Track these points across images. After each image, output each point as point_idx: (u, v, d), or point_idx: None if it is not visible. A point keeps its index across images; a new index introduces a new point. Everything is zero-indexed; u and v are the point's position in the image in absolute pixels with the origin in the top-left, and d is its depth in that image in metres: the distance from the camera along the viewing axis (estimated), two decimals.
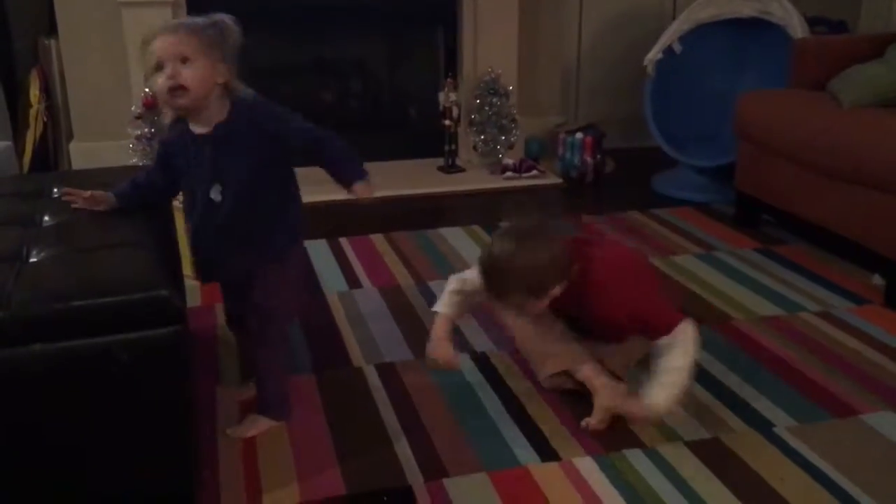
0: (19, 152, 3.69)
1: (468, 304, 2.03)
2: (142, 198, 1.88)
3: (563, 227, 1.93)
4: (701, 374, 2.16)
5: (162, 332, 1.48)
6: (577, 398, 1.99)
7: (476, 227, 3.22)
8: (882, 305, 2.54)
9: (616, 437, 1.91)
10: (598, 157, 3.79)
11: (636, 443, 1.89)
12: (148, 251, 1.67)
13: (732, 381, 2.14)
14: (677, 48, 3.64)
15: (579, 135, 3.77)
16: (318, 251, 2.98)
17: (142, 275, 1.54)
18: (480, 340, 2.32)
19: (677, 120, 3.70)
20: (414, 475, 1.79)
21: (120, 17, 3.39)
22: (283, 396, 1.96)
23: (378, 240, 3.10)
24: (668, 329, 1.86)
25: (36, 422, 1.47)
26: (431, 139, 3.91)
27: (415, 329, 2.41)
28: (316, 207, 3.36)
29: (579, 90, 4.31)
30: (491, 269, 1.84)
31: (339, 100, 4.17)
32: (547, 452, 1.86)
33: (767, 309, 2.53)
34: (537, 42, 4.10)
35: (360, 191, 1.92)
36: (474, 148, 3.90)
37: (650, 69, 3.68)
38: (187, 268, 2.62)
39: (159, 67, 1.68)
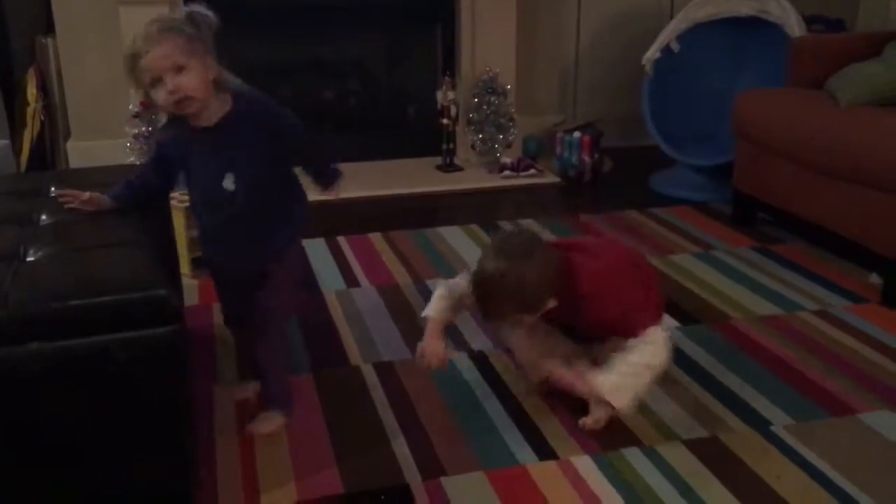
0: (16, 151, 3.69)
1: (457, 307, 2.00)
2: (136, 198, 1.87)
3: (554, 233, 1.88)
4: (699, 373, 2.17)
5: (159, 331, 1.48)
6: (574, 398, 1.98)
7: (474, 226, 3.22)
8: (879, 304, 2.55)
9: (614, 436, 1.91)
10: (596, 156, 3.79)
11: (634, 442, 1.89)
12: (145, 250, 1.67)
13: (730, 380, 2.14)
14: (675, 47, 3.64)
15: (577, 134, 3.77)
16: (316, 250, 2.98)
17: (139, 274, 1.54)
18: (478, 340, 2.32)
19: (675, 119, 3.70)
20: (412, 474, 1.79)
21: (117, 15, 3.38)
22: (287, 391, 1.98)
23: (376, 239, 3.10)
24: (641, 330, 1.86)
25: (33, 421, 1.47)
26: (429, 138, 3.91)
27: (413, 328, 2.41)
28: (315, 206, 3.36)
29: (577, 89, 4.31)
30: (485, 291, 1.82)
31: (337, 99, 4.16)
32: (545, 451, 1.86)
33: (765, 308, 2.53)
34: (535, 41, 4.10)
35: (337, 191, 1.96)
36: (472, 147, 3.90)
37: (648, 68, 3.68)
38: (185, 266, 2.63)
39: (157, 81, 1.67)
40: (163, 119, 1.79)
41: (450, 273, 2.74)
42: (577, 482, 1.76)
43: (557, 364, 1.94)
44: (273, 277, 1.87)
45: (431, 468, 1.80)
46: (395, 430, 1.93)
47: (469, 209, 3.47)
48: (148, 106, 3.31)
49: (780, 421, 1.96)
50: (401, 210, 3.44)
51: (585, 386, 1.86)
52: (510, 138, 3.88)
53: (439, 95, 3.80)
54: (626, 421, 1.95)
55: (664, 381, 2.12)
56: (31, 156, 3.66)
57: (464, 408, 2.02)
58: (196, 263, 2.64)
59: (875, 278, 2.65)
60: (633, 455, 1.84)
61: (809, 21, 3.61)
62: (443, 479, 1.77)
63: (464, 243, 3.05)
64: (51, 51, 3.65)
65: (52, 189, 1.99)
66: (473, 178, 3.80)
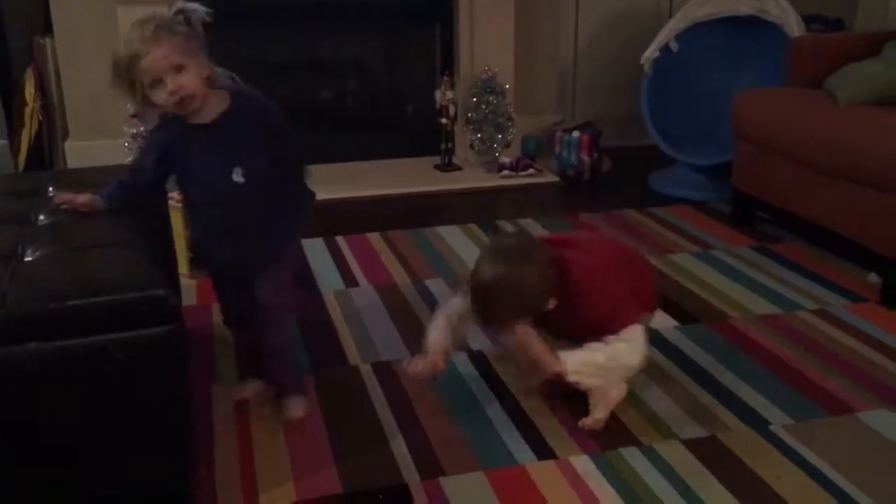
0: (14, 151, 3.69)
1: (457, 329, 2.00)
2: (129, 199, 1.87)
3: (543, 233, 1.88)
4: (697, 373, 2.17)
5: (157, 331, 1.48)
6: (573, 397, 1.98)
7: (473, 226, 3.22)
8: (878, 303, 2.55)
9: (613, 435, 1.91)
10: (595, 155, 3.79)
11: (633, 441, 1.89)
12: (143, 250, 1.67)
13: (729, 379, 2.14)
14: (674, 46, 3.64)
15: (576, 133, 3.77)
16: (314, 250, 2.97)
17: (137, 274, 1.54)
18: (478, 340, 2.32)
19: (674, 118, 3.70)
20: (410, 474, 1.78)
21: (115, 15, 3.38)
22: (299, 374, 2.04)
23: (375, 238, 3.10)
24: (619, 328, 1.86)
25: (32, 421, 1.47)
26: (428, 137, 3.91)
27: (411, 328, 2.41)
28: (313, 206, 3.36)
29: (576, 88, 4.30)
30: (485, 298, 1.81)
31: (335, 98, 4.16)
32: (544, 451, 1.86)
33: (764, 307, 2.53)
34: (534, 40, 4.10)
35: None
36: (471, 146, 3.90)
37: (647, 67, 3.68)
38: (183, 267, 2.63)
39: (157, 82, 1.68)
40: (148, 119, 1.77)
41: (449, 273, 2.75)
42: (576, 482, 1.76)
43: (535, 338, 1.90)
44: (273, 274, 1.88)
45: (430, 468, 1.80)
46: (394, 430, 1.93)
47: (468, 209, 3.47)
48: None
49: (778, 420, 1.96)
50: (399, 210, 3.44)
51: (551, 360, 1.84)
52: (509, 138, 3.88)
53: (438, 95, 3.80)
54: (624, 420, 1.95)
55: (662, 380, 2.13)
56: (29, 156, 3.66)
57: (462, 408, 2.01)
58: (194, 264, 2.64)
59: (874, 277, 2.65)
60: (631, 455, 1.84)
61: (808, 20, 3.61)
62: (441, 479, 1.77)
63: (462, 243, 3.05)
64: (49, 51, 3.64)
65: (50, 189, 1.99)
66: (472, 178, 3.80)
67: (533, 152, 4.02)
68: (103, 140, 3.53)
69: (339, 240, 3.08)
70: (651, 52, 3.65)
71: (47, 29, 3.63)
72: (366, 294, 2.64)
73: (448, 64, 3.96)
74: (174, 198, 2.54)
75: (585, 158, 3.76)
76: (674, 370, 2.18)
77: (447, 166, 3.89)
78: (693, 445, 1.87)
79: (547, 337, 1.98)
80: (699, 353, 2.26)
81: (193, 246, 2.06)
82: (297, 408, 1.99)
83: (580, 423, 1.93)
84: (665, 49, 3.64)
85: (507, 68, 3.89)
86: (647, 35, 3.74)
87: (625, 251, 2.08)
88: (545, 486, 1.74)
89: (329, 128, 4.14)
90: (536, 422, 1.96)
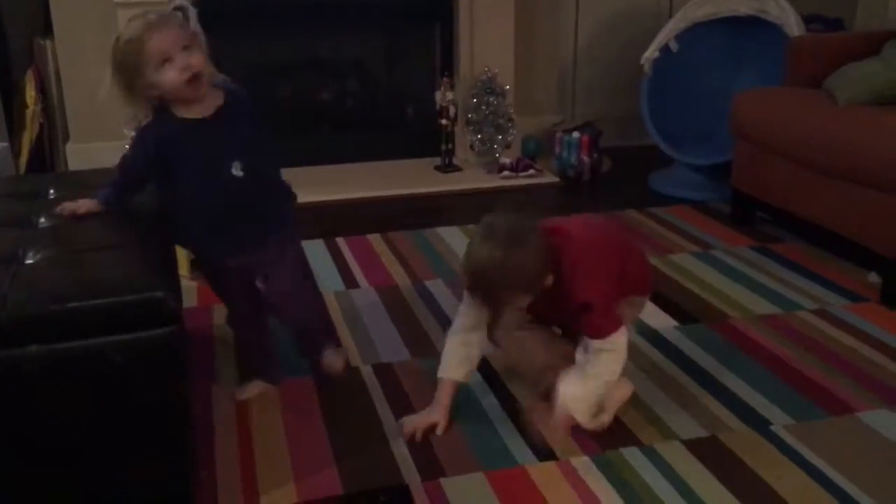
0: (15, 153, 3.69)
1: (476, 351, 1.98)
2: (124, 198, 1.88)
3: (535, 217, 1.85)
4: (698, 373, 2.17)
5: (157, 332, 1.48)
6: None
7: (473, 227, 3.18)
8: (878, 303, 2.55)
9: (613, 436, 1.91)
10: (595, 155, 3.79)
11: (633, 441, 1.89)
12: (143, 252, 1.67)
13: (729, 379, 2.14)
14: (674, 47, 3.64)
15: (576, 133, 3.77)
16: (315, 251, 2.97)
17: (137, 276, 1.54)
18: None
19: (674, 118, 3.70)
20: (411, 475, 1.79)
21: (116, 17, 3.38)
22: (330, 329, 2.15)
23: (375, 240, 3.10)
24: (602, 333, 1.82)
25: (32, 423, 1.47)
26: (428, 138, 3.91)
27: (412, 329, 2.41)
28: (313, 208, 3.36)
29: (576, 89, 4.30)
30: (484, 275, 1.77)
31: (335, 99, 4.16)
32: (544, 452, 1.86)
33: (764, 307, 2.53)
34: (534, 41, 4.10)
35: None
36: (471, 147, 3.90)
37: (647, 68, 3.68)
38: (184, 268, 2.63)
39: (166, 61, 1.70)
40: (145, 116, 1.79)
41: (449, 274, 2.75)
42: (577, 482, 1.76)
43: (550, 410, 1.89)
44: (283, 263, 1.95)
45: (431, 469, 1.81)
46: (395, 431, 1.93)
47: (468, 210, 3.46)
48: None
49: (779, 420, 1.96)
50: (400, 211, 3.44)
51: (568, 422, 1.85)
52: (509, 138, 3.88)
53: (438, 96, 3.80)
54: (625, 421, 1.95)
55: (663, 380, 2.13)
56: (30, 158, 3.66)
57: (463, 408, 2.01)
58: (195, 265, 2.64)
59: (874, 277, 2.65)
60: (632, 455, 1.84)
61: (808, 20, 3.61)
62: (442, 480, 1.77)
63: (463, 244, 3.02)
64: (49, 53, 3.64)
65: (51, 191, 1.99)
66: (472, 179, 3.80)
67: (533, 153, 4.02)
68: (104, 142, 3.53)
69: (340, 241, 3.08)
70: (651, 53, 3.66)
71: (47, 31, 3.63)
72: (366, 295, 2.64)
73: (448, 65, 3.96)
74: None
75: (585, 159, 3.76)
76: (674, 370, 2.18)
77: (447, 167, 3.89)
78: (693, 445, 1.87)
79: (539, 325, 1.99)
80: (699, 354, 2.26)
81: (193, 246, 2.05)
82: (338, 359, 2.06)
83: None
84: (665, 49, 3.64)
85: (507, 69, 3.89)
86: (647, 35, 3.74)
87: (618, 233, 2.06)
88: (546, 487, 1.75)
89: (329, 129, 4.14)
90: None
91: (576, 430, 1.92)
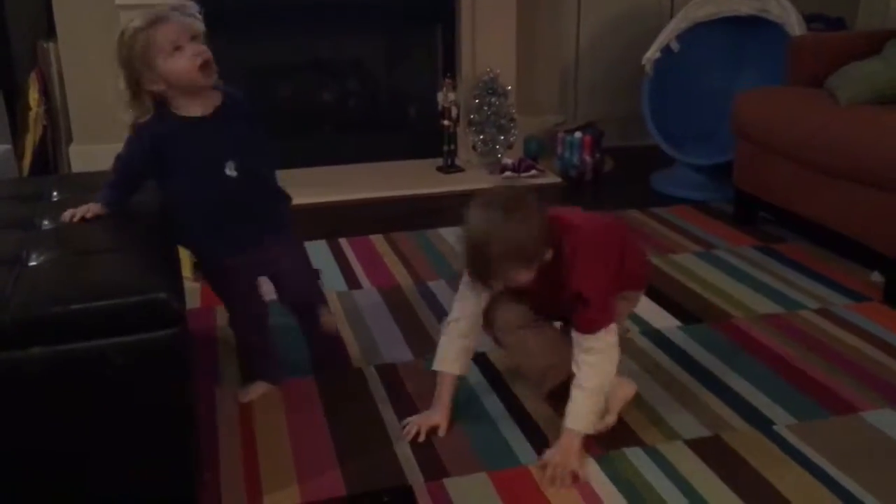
0: (19, 155, 3.69)
1: (473, 343, 1.97)
2: (124, 197, 1.89)
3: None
4: (700, 373, 2.17)
5: (160, 334, 1.49)
6: None
7: None
8: (881, 302, 2.55)
9: (616, 436, 1.91)
10: (597, 155, 3.79)
11: (636, 441, 1.89)
12: (146, 254, 1.67)
13: (732, 379, 2.14)
14: (675, 47, 3.64)
15: (578, 134, 3.77)
16: (317, 252, 2.98)
17: (140, 278, 1.54)
18: (482, 340, 2.32)
19: (675, 118, 3.70)
20: (414, 475, 1.79)
21: (118, 19, 3.39)
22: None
23: (377, 240, 3.10)
24: (593, 327, 1.80)
25: (36, 425, 1.47)
26: (430, 139, 3.92)
27: (415, 330, 2.41)
28: (316, 208, 3.37)
29: (578, 89, 4.31)
30: (482, 243, 1.70)
31: (337, 100, 4.17)
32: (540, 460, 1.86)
33: (767, 307, 2.53)
34: (536, 42, 4.11)
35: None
36: (473, 148, 3.90)
37: (648, 68, 3.68)
38: (187, 270, 2.63)
39: (177, 49, 1.73)
40: (142, 115, 1.80)
41: (452, 274, 2.75)
42: (579, 483, 1.76)
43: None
44: (293, 262, 2.02)
45: (434, 469, 1.81)
46: (398, 432, 1.94)
47: None
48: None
49: (782, 420, 1.96)
50: (402, 211, 3.44)
51: (576, 456, 1.81)
52: (511, 139, 3.88)
53: (440, 96, 3.80)
54: (627, 421, 1.95)
55: (665, 380, 2.13)
56: (33, 160, 3.67)
57: (466, 409, 2.02)
58: (198, 266, 2.64)
59: (877, 277, 2.65)
60: (635, 455, 1.85)
61: (809, 19, 3.61)
62: (445, 481, 1.77)
63: None
64: (52, 55, 3.65)
65: (55, 193, 2.00)
66: (475, 179, 3.80)
67: (535, 153, 4.02)
68: (107, 144, 3.50)
69: (342, 242, 3.08)
70: (652, 53, 3.66)
71: (50, 33, 3.64)
72: (369, 296, 2.65)
73: (450, 65, 3.96)
74: None
75: (587, 159, 3.76)
76: (676, 370, 2.18)
77: (449, 168, 3.89)
78: (696, 445, 1.87)
79: (542, 324, 1.99)
80: (702, 353, 2.26)
81: (193, 247, 2.05)
82: (331, 318, 2.20)
83: None
84: (666, 49, 3.64)
85: (509, 69, 3.89)
86: (649, 35, 3.75)
87: (618, 227, 2.06)
88: (547, 488, 1.74)
89: (331, 130, 4.15)
90: (540, 423, 1.96)
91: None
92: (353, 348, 2.31)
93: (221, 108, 1.84)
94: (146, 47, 1.72)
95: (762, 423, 1.95)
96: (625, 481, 1.76)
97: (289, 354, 2.23)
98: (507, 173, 3.78)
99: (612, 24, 4.21)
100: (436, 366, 1.96)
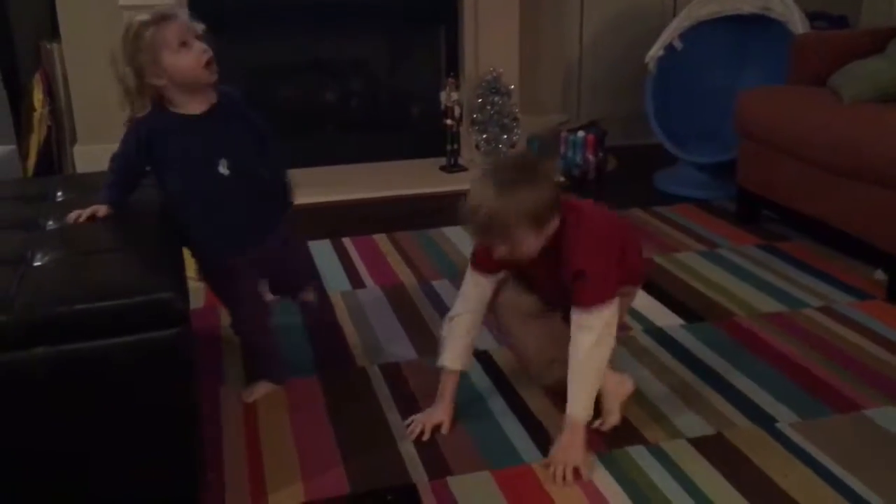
0: (23, 156, 3.70)
1: (474, 339, 1.97)
2: (125, 193, 1.90)
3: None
4: (704, 371, 2.17)
5: (164, 334, 1.49)
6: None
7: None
8: (884, 301, 2.54)
9: (619, 434, 1.91)
10: (600, 154, 3.79)
11: (639, 440, 1.89)
12: (150, 254, 1.68)
13: (735, 377, 2.14)
14: (678, 45, 3.63)
15: (581, 133, 3.77)
16: (321, 251, 2.98)
17: (144, 278, 1.55)
18: (484, 339, 2.32)
19: (679, 117, 3.70)
20: (418, 474, 1.79)
21: (122, 20, 3.39)
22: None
23: (381, 240, 3.11)
24: (591, 302, 1.78)
25: (40, 425, 1.48)
26: (433, 139, 3.92)
27: (418, 329, 2.42)
28: (319, 208, 3.38)
29: (581, 88, 4.31)
30: (498, 201, 1.68)
31: (340, 100, 4.17)
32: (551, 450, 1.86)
33: (770, 305, 2.53)
34: (538, 41, 4.11)
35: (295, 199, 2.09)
36: (476, 147, 3.90)
37: (651, 66, 3.68)
38: (191, 270, 2.64)
39: (182, 46, 1.76)
40: (140, 112, 1.83)
41: (455, 274, 2.75)
42: (583, 481, 1.76)
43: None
44: (293, 246, 2.09)
45: (437, 468, 1.81)
46: (401, 431, 1.94)
47: None
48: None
49: (785, 418, 1.96)
50: (405, 211, 3.45)
51: (579, 449, 1.80)
52: (514, 138, 3.88)
53: (443, 96, 3.81)
54: (631, 419, 1.95)
55: (668, 378, 2.13)
56: (37, 161, 3.67)
57: (469, 407, 2.02)
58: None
59: (880, 275, 2.65)
60: (638, 453, 1.85)
61: (813, 18, 3.61)
62: (449, 479, 1.77)
63: (469, 244, 3.04)
64: (56, 56, 3.66)
65: (59, 194, 2.01)
66: None
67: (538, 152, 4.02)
68: (111, 144, 3.50)
69: (346, 241, 3.09)
70: (655, 51, 3.65)
71: (54, 34, 3.65)
72: (372, 295, 2.65)
73: (453, 65, 3.96)
74: None
75: (590, 158, 3.76)
76: (680, 368, 2.18)
77: (453, 167, 3.89)
78: (700, 443, 1.87)
79: (549, 315, 1.98)
80: (705, 352, 2.27)
81: (192, 247, 2.04)
82: (311, 293, 2.32)
83: (595, 424, 1.90)
84: (669, 48, 3.64)
85: (512, 69, 3.89)
86: (652, 34, 3.74)
87: (621, 219, 2.05)
88: (552, 485, 1.75)
89: (334, 129, 4.15)
90: (543, 421, 1.97)
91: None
92: (357, 347, 2.32)
93: (217, 106, 1.86)
94: (153, 41, 1.75)
95: (765, 421, 1.95)
96: (628, 480, 1.77)
97: (292, 354, 2.24)
98: None
99: (614, 22, 4.21)
100: (440, 362, 1.96)
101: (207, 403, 2.03)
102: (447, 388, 1.96)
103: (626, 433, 1.91)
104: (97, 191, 1.89)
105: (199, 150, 1.84)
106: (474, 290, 1.93)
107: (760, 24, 3.55)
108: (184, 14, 1.81)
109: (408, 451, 1.87)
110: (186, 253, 2.34)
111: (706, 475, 1.77)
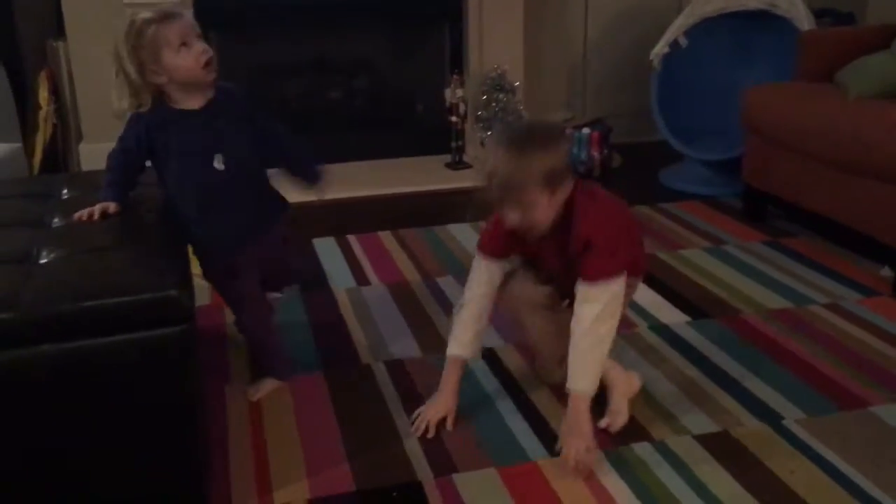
0: (29, 154, 3.71)
1: (484, 325, 1.95)
2: (128, 188, 1.91)
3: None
4: (710, 368, 2.17)
5: (171, 331, 1.49)
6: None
7: (484, 224, 3.21)
8: (891, 297, 2.54)
9: (625, 431, 1.90)
10: (606, 151, 3.79)
11: (645, 436, 1.89)
12: (156, 251, 1.68)
13: (741, 374, 2.13)
14: (683, 42, 3.63)
15: (586, 130, 3.77)
16: (326, 248, 2.99)
17: (150, 275, 1.55)
18: (489, 337, 2.32)
19: (684, 114, 3.69)
20: (423, 471, 1.79)
21: (127, 18, 3.40)
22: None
23: (386, 237, 3.11)
24: (597, 274, 1.76)
25: (45, 422, 1.48)
26: (438, 136, 3.92)
27: (423, 325, 2.42)
28: (324, 205, 3.37)
29: (586, 85, 4.30)
30: (508, 164, 1.70)
31: (345, 98, 4.17)
32: (556, 447, 1.86)
33: (776, 302, 2.52)
34: (543, 38, 4.10)
35: (324, 190, 2.07)
36: (481, 144, 3.90)
37: (656, 63, 3.67)
38: (196, 267, 2.64)
39: (183, 45, 1.78)
40: (142, 107, 1.84)
41: (459, 270, 2.75)
42: (589, 478, 1.76)
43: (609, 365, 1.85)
44: (287, 240, 2.08)
45: (443, 465, 1.81)
46: (406, 428, 1.94)
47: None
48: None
49: (791, 415, 1.96)
50: (410, 208, 3.45)
51: (584, 428, 1.79)
52: None
53: (448, 93, 3.81)
54: (636, 416, 1.95)
55: (674, 375, 2.13)
56: (43, 158, 3.69)
57: (475, 404, 2.02)
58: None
59: (887, 271, 2.64)
60: (643, 450, 1.84)
61: (818, 14, 3.60)
62: (454, 476, 1.77)
63: (473, 241, 3.03)
64: (62, 54, 3.67)
65: (64, 191, 2.01)
66: None
67: None
68: None
69: (351, 238, 3.09)
70: (660, 48, 3.65)
71: (60, 32, 3.66)
72: (377, 292, 2.65)
73: (457, 62, 3.96)
74: None
75: (596, 155, 3.75)
76: (685, 365, 2.18)
77: (457, 164, 3.89)
78: (705, 440, 1.87)
79: (565, 310, 1.96)
80: (711, 349, 2.26)
81: (194, 246, 2.03)
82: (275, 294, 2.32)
83: (602, 424, 1.90)
84: (674, 45, 3.63)
85: (517, 66, 3.89)
86: (657, 31, 3.74)
87: (629, 213, 2.05)
88: (557, 483, 1.75)
89: (339, 127, 4.15)
90: (549, 418, 1.97)
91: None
92: (362, 344, 2.32)
93: (213, 102, 1.87)
94: (154, 39, 1.76)
95: (771, 418, 1.95)
96: (634, 476, 1.76)
97: (297, 351, 2.24)
98: None
99: (619, 19, 4.20)
100: (450, 349, 1.95)
101: (213, 400, 2.03)
102: (451, 377, 1.95)
103: (632, 431, 1.91)
104: (102, 189, 1.89)
105: (195, 143, 1.85)
106: (483, 276, 1.93)
107: (765, 21, 3.54)
108: (188, 13, 1.84)
109: (413, 448, 1.87)
110: (190, 251, 2.35)
111: (712, 472, 1.77)
